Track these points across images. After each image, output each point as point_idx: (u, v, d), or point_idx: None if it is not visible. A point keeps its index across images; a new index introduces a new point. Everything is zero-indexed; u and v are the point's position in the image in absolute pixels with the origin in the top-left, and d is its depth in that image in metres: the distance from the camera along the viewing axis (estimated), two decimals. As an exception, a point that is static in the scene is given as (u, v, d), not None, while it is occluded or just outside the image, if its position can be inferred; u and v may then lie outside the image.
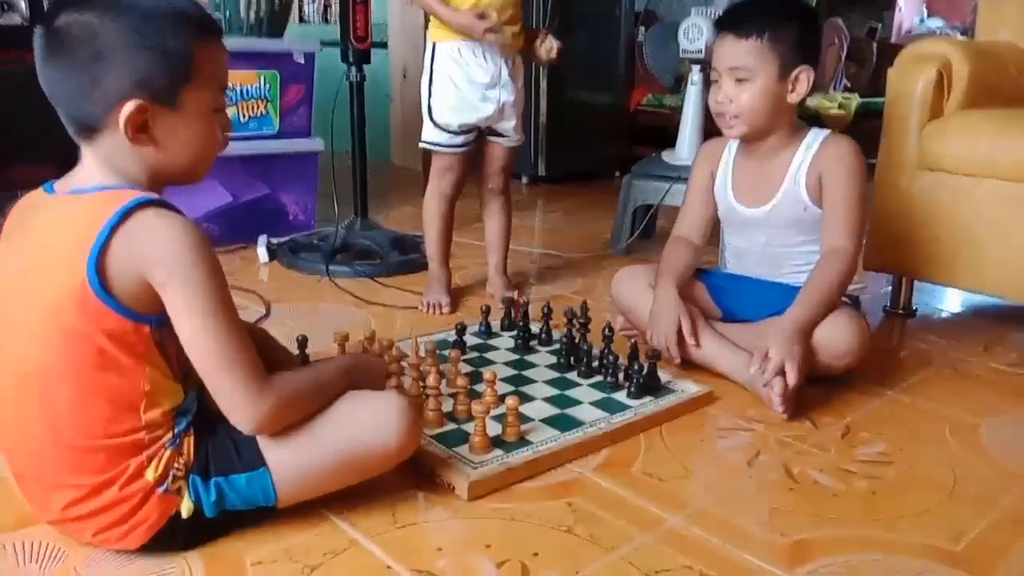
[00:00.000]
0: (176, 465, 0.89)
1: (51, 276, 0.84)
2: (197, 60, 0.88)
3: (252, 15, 2.33)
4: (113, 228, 0.82)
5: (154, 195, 0.87)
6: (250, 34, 2.35)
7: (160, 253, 0.84)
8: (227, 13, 2.29)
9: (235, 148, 2.32)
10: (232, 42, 2.25)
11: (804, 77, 1.40)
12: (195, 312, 0.85)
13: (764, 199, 1.47)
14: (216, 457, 0.91)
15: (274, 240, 2.28)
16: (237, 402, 0.88)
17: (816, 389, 1.40)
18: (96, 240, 0.82)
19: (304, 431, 0.94)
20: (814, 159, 1.42)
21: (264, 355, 0.93)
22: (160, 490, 0.88)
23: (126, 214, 0.83)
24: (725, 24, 1.43)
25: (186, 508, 0.89)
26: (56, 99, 0.87)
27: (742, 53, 1.39)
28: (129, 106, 0.84)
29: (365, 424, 0.96)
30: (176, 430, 0.90)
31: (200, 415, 0.92)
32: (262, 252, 2.23)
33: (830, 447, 1.23)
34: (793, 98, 1.41)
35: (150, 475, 0.87)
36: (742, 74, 1.39)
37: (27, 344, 0.85)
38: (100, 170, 0.88)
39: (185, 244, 0.84)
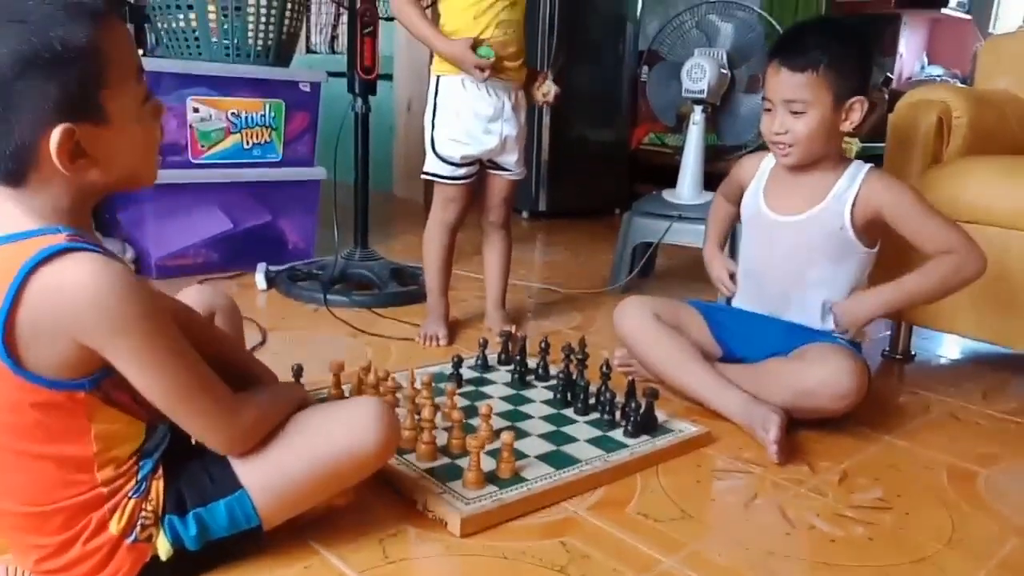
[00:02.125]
0: (144, 512, 0.85)
1: None
2: (106, 54, 0.76)
3: (259, 43, 2.36)
4: (16, 292, 0.72)
5: (65, 239, 0.75)
6: (257, 62, 2.37)
7: (84, 313, 0.74)
8: (234, 40, 2.31)
9: (238, 175, 2.35)
10: (239, 69, 2.31)
11: (858, 107, 1.40)
12: (144, 363, 0.79)
13: (800, 209, 1.46)
14: (190, 490, 0.88)
15: (273, 268, 2.28)
16: (209, 431, 0.86)
17: (813, 433, 1.39)
18: (2, 305, 0.73)
19: (279, 444, 0.91)
20: (864, 192, 1.41)
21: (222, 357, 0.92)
22: (128, 541, 0.84)
23: (30, 272, 0.73)
24: (780, 56, 1.41)
25: (164, 551, 0.86)
26: None
27: (798, 86, 1.38)
28: (55, 136, 0.74)
29: (341, 429, 0.93)
30: (140, 475, 0.85)
31: (171, 446, 0.89)
32: (260, 279, 2.23)
33: (827, 492, 1.21)
34: (846, 127, 1.41)
35: (114, 528, 0.83)
36: (797, 107, 1.39)
37: None
38: (18, 208, 0.77)
39: (108, 294, 0.74)
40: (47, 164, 0.76)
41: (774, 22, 2.53)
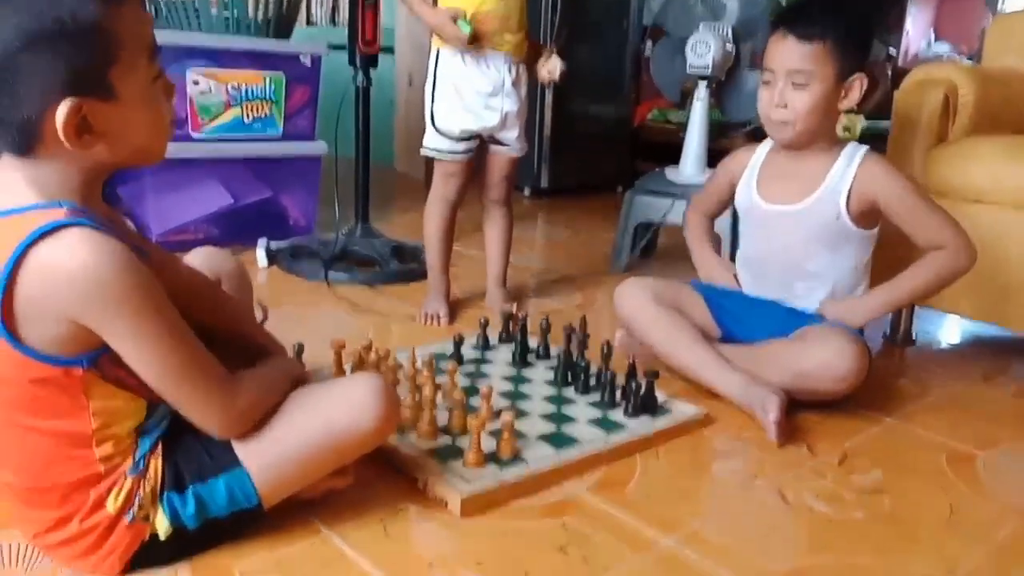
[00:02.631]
0: (141, 492, 0.85)
1: None
2: (116, 32, 0.76)
3: (259, 15, 2.33)
4: (12, 269, 0.72)
5: (65, 214, 0.75)
6: (257, 34, 2.34)
7: (77, 291, 0.73)
8: (234, 12, 2.28)
9: (238, 149, 2.34)
10: (238, 42, 2.28)
11: (858, 84, 1.38)
12: (138, 343, 0.78)
13: (795, 199, 1.45)
14: (188, 466, 0.87)
15: (274, 244, 2.27)
16: (205, 414, 0.86)
17: (813, 414, 1.39)
18: None
19: (279, 421, 0.91)
20: (857, 178, 1.40)
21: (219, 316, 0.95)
22: (126, 519, 0.84)
23: (26, 249, 0.73)
24: (788, 23, 1.38)
25: (163, 530, 0.86)
26: None
27: (804, 57, 1.35)
28: (61, 111, 0.73)
29: (340, 405, 0.93)
30: (138, 454, 0.85)
31: (172, 427, 0.88)
32: (261, 256, 2.22)
33: (826, 473, 1.22)
34: (844, 104, 1.39)
35: (111, 506, 0.83)
36: (800, 78, 1.36)
37: None
38: (20, 181, 0.77)
39: (104, 273, 0.74)
40: (53, 138, 0.75)
41: (780, -3, 2.50)
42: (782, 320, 1.48)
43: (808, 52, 1.36)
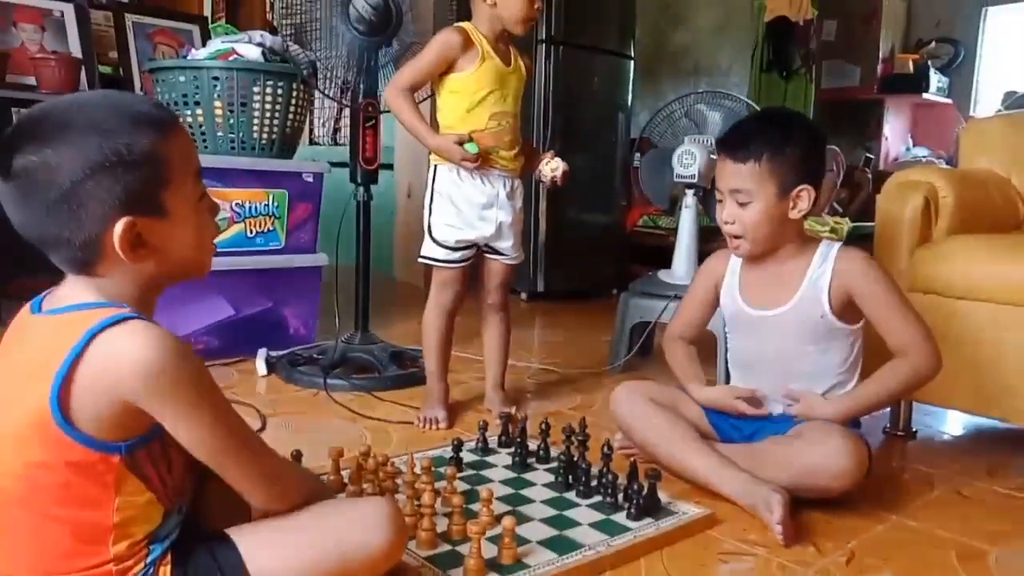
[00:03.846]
0: None
1: (19, 402, 0.80)
2: (167, 159, 0.84)
3: (264, 137, 2.44)
4: (79, 353, 0.78)
5: (128, 311, 0.82)
6: (262, 154, 2.44)
7: (138, 374, 0.78)
8: (240, 134, 2.39)
9: (240, 262, 2.39)
10: (243, 161, 2.37)
11: (805, 195, 1.43)
12: (193, 423, 0.83)
13: (778, 302, 1.47)
14: None
15: (273, 353, 2.29)
16: (254, 486, 0.90)
17: (818, 512, 1.37)
18: (60, 367, 0.77)
19: (291, 537, 0.91)
20: (835, 274, 1.43)
21: None
22: None
23: (93, 336, 0.78)
24: (724, 147, 1.46)
25: None
26: (41, 244, 0.83)
27: (741, 177, 1.42)
28: (118, 228, 0.81)
29: (353, 527, 0.94)
30: (148, 560, 0.85)
31: (181, 536, 0.89)
32: (260, 365, 2.23)
33: (835, 574, 1.19)
34: (795, 214, 1.44)
35: None
36: (742, 197, 1.43)
37: None
38: (86, 288, 0.85)
39: (163, 360, 0.79)
40: (112, 254, 0.83)
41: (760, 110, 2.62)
42: (778, 419, 1.48)
43: (744, 172, 1.42)
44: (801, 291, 1.46)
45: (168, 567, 0.86)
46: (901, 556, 1.26)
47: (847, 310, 1.45)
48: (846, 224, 3.31)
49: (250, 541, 0.91)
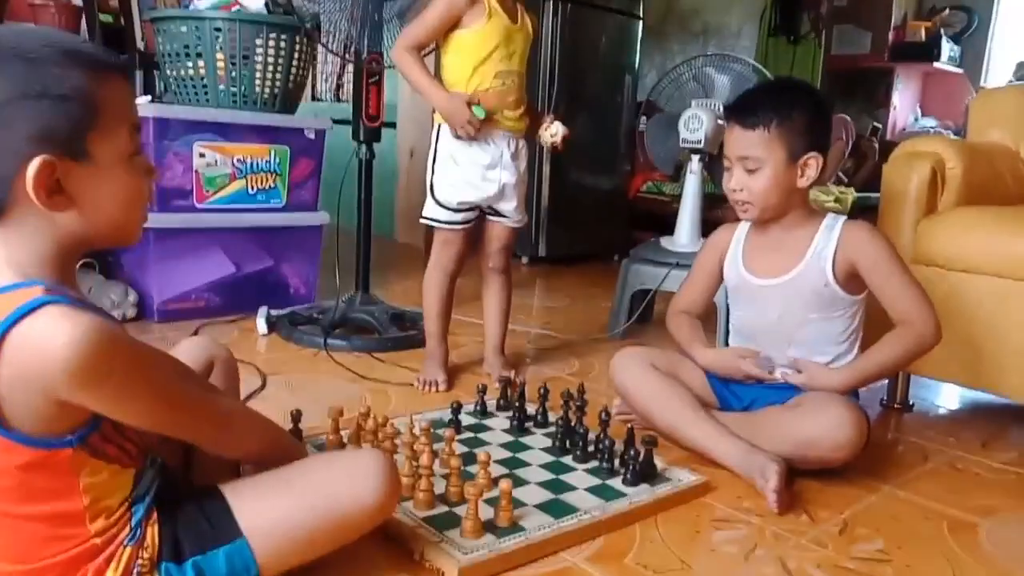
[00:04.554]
0: (140, 560, 0.83)
1: None
2: (98, 101, 0.77)
3: (266, 91, 2.40)
4: None
5: (42, 292, 0.74)
6: (263, 109, 2.42)
7: (62, 370, 0.71)
8: (242, 88, 2.36)
9: (241, 220, 2.38)
10: (245, 116, 2.35)
11: (813, 163, 1.43)
12: (130, 409, 0.79)
13: (781, 270, 1.48)
14: (188, 536, 0.87)
15: (274, 312, 2.29)
16: (207, 442, 0.92)
17: (813, 482, 1.38)
18: None
19: (282, 494, 0.91)
20: (840, 245, 1.44)
21: None
22: None
23: (7, 331, 0.71)
24: (733, 114, 1.46)
25: None
26: None
27: (750, 143, 1.42)
28: (33, 165, 0.74)
29: (343, 482, 0.93)
30: (133, 522, 0.84)
31: (165, 488, 0.88)
32: (261, 324, 2.24)
33: (827, 542, 1.21)
34: (803, 183, 1.44)
35: None
36: (751, 163, 1.43)
37: None
38: None
39: (87, 353, 0.72)
40: (25, 199, 0.75)
41: (768, 74, 2.58)
42: (779, 387, 1.49)
43: (753, 138, 1.42)
44: (805, 260, 1.46)
45: (155, 526, 0.86)
46: (893, 526, 1.27)
47: (850, 281, 1.45)
48: (851, 194, 3.29)
49: (240, 495, 0.91)
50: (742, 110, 1.45)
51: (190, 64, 2.33)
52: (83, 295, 0.84)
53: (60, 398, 0.74)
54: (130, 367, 0.78)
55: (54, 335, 0.71)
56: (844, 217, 1.49)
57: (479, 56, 1.71)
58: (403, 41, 1.75)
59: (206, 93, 2.35)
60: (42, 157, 0.74)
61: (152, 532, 0.85)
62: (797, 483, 1.37)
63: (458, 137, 1.73)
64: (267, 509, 0.90)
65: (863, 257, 1.43)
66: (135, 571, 0.84)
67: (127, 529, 0.84)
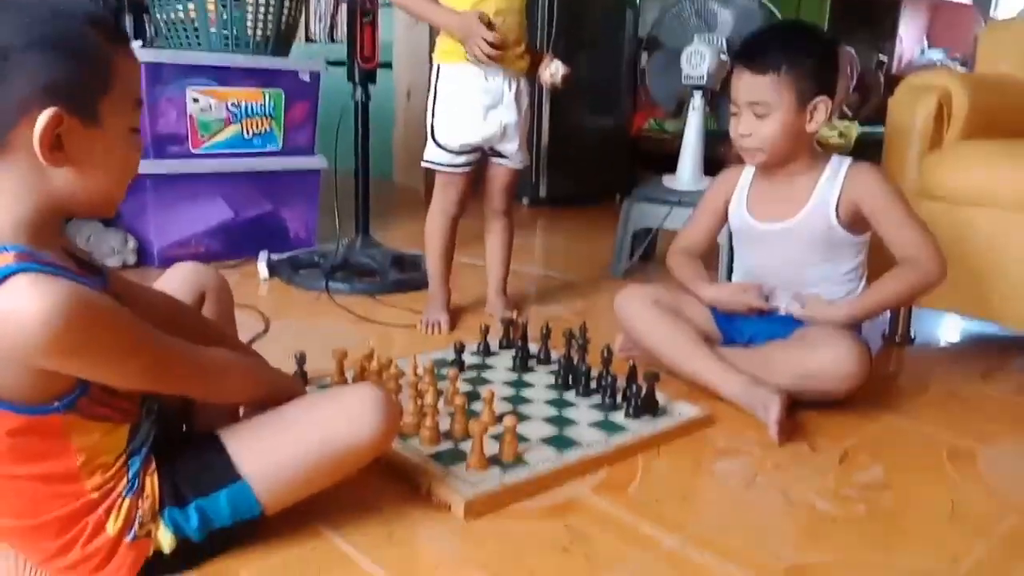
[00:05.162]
0: (140, 509, 0.84)
1: None
2: (115, 68, 0.77)
3: (259, 33, 2.36)
4: None
5: (14, 259, 0.71)
6: (256, 52, 2.37)
7: (32, 340, 0.69)
8: (233, 31, 2.31)
9: (238, 164, 2.36)
10: (238, 59, 2.31)
11: (822, 107, 1.42)
12: (111, 373, 0.78)
13: (785, 215, 1.48)
14: (188, 480, 0.87)
15: (275, 256, 2.29)
16: (212, 393, 0.92)
17: (814, 413, 1.40)
18: None
19: (279, 432, 0.91)
20: (845, 188, 1.44)
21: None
22: (127, 539, 0.84)
23: None
24: (742, 59, 1.45)
25: (167, 544, 0.86)
26: None
27: (760, 88, 1.41)
28: (44, 115, 0.72)
29: (339, 417, 0.93)
30: (130, 473, 0.84)
31: (161, 435, 0.88)
32: (262, 268, 2.23)
33: (828, 471, 1.22)
34: (811, 127, 1.43)
35: (111, 528, 0.83)
36: (761, 109, 1.41)
37: None
38: None
39: (60, 323, 0.69)
40: (20, 148, 0.74)
41: (774, 9, 2.52)
42: (784, 324, 1.49)
43: (763, 83, 1.40)
44: (810, 204, 1.46)
45: (154, 476, 0.86)
46: (893, 454, 1.29)
47: (855, 222, 1.45)
48: (855, 129, 3.25)
49: (238, 438, 0.91)
50: (751, 55, 1.43)
51: (180, 7, 2.28)
52: (63, 257, 0.80)
53: (40, 367, 0.73)
54: (107, 333, 0.75)
55: (26, 306, 0.69)
56: (849, 160, 1.48)
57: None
58: None
59: (197, 37, 2.30)
60: (54, 108, 0.73)
61: (151, 481, 0.86)
62: (798, 414, 1.39)
63: (474, 63, 1.67)
64: (266, 450, 0.91)
65: (868, 199, 1.43)
66: (136, 520, 0.84)
67: (124, 481, 0.84)
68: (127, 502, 0.84)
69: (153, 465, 0.87)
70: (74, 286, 0.72)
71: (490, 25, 1.62)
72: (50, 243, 0.79)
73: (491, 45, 1.62)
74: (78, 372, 0.76)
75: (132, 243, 2.27)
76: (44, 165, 0.75)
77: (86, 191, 0.79)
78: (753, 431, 1.33)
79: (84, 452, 0.81)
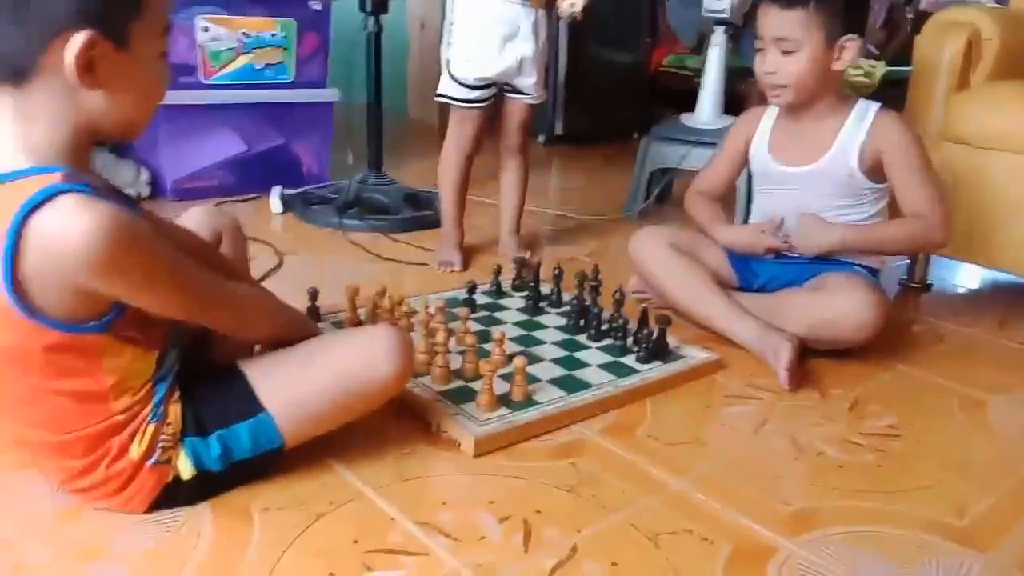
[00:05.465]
0: (163, 436, 0.87)
1: None
2: None
3: (270, -40, 2.29)
4: (15, 239, 0.72)
5: (60, 179, 0.74)
6: (267, -21, 2.31)
7: (78, 258, 0.72)
8: (244, -43, 2.25)
9: (250, 96, 2.32)
10: (248, -13, 2.24)
11: (851, 45, 1.38)
12: (147, 299, 0.81)
13: (808, 159, 1.45)
14: (210, 413, 0.90)
15: (288, 191, 2.27)
16: (239, 327, 0.94)
17: (826, 361, 1.39)
18: (4, 253, 0.72)
19: (300, 369, 0.94)
20: (869, 135, 1.40)
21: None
22: (149, 463, 0.86)
23: (26, 217, 0.71)
24: None
25: (186, 472, 0.88)
26: None
27: (788, 24, 1.36)
28: (79, 38, 0.73)
29: (358, 357, 0.95)
30: (155, 400, 0.87)
31: (186, 366, 0.91)
32: (275, 203, 2.22)
33: (838, 418, 1.23)
34: (839, 66, 1.39)
35: (135, 452, 0.86)
36: (788, 45, 1.37)
37: None
38: (12, 139, 0.76)
39: (104, 242, 0.72)
40: (50, 74, 0.75)
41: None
42: (800, 271, 1.47)
43: (791, 19, 1.36)
44: (833, 149, 1.43)
45: (178, 404, 0.88)
46: (904, 402, 1.29)
47: (876, 169, 1.42)
48: (881, 68, 3.15)
49: (259, 370, 0.93)
50: None
51: (189, -70, 2.21)
52: (104, 181, 0.83)
53: (80, 286, 0.75)
54: (147, 257, 0.78)
55: (73, 225, 0.72)
56: (877, 106, 1.44)
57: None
58: None
59: (207, -38, 2.24)
60: (89, 31, 0.73)
61: (175, 410, 0.88)
62: (810, 362, 1.38)
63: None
64: (287, 384, 0.93)
65: (889, 148, 1.40)
66: (159, 446, 0.87)
67: (149, 406, 0.87)
68: (151, 427, 0.86)
69: (177, 394, 0.89)
70: (118, 209, 0.75)
71: None
72: (86, 167, 0.81)
73: None
74: (116, 293, 0.78)
75: (145, 175, 2.26)
76: (76, 88, 0.75)
77: (116, 114, 0.80)
78: (764, 377, 1.33)
79: (114, 374, 0.83)
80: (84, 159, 0.81)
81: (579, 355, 1.34)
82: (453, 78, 1.74)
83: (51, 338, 0.78)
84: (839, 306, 1.35)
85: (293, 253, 1.88)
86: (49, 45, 0.73)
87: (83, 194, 0.74)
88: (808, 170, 1.45)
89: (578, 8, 1.72)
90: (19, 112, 0.76)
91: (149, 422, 0.86)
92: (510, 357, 1.22)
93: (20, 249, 0.72)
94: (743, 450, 1.13)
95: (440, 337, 1.21)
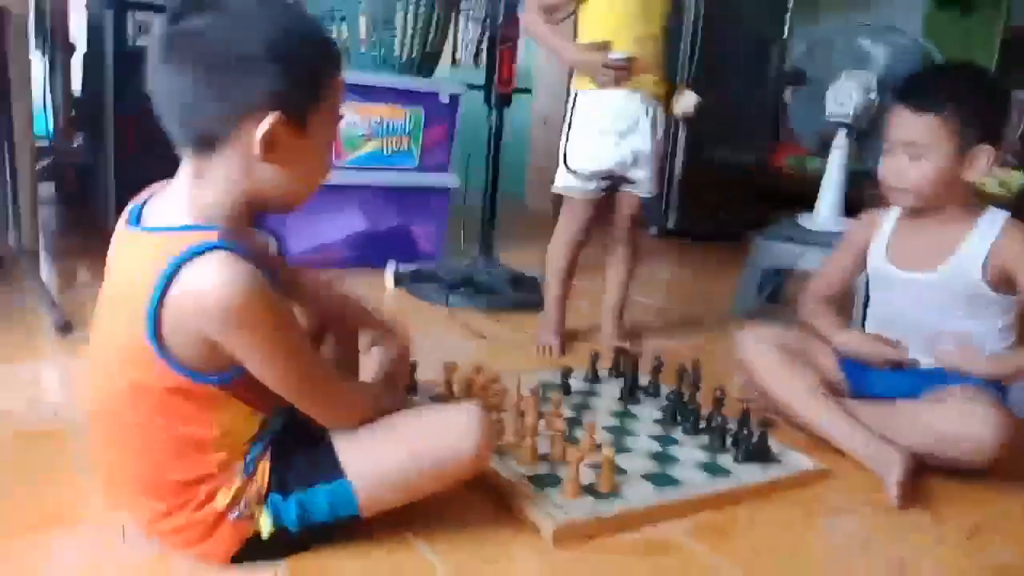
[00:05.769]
0: (248, 493, 0.90)
1: (120, 324, 0.84)
2: (330, 84, 0.87)
3: (405, 54, 2.46)
4: (166, 284, 0.79)
5: (216, 237, 0.81)
6: (401, 72, 2.48)
7: (215, 309, 0.79)
8: (381, 51, 2.43)
9: (375, 178, 2.47)
10: (383, 78, 2.41)
11: (983, 156, 1.32)
12: (269, 364, 0.85)
13: (928, 265, 1.38)
14: (294, 473, 0.92)
15: (401, 267, 2.37)
16: (326, 418, 0.94)
17: (944, 480, 1.29)
18: (151, 296, 0.79)
19: (384, 440, 0.95)
20: (996, 247, 1.33)
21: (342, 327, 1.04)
22: (231, 517, 0.89)
23: (179, 267, 0.79)
24: (903, 96, 1.37)
25: (266, 529, 0.91)
26: (170, 106, 0.83)
27: (918, 129, 1.33)
28: (270, 118, 0.81)
29: (443, 432, 0.97)
30: (248, 458, 0.90)
31: (283, 434, 0.94)
32: (389, 278, 2.32)
33: (951, 544, 1.12)
34: (970, 175, 1.33)
35: (220, 503, 0.89)
36: (916, 150, 1.33)
37: (102, 383, 0.89)
38: (185, 198, 0.85)
39: (239, 299, 0.79)
40: (237, 145, 0.83)
41: (932, 48, 2.36)
42: (917, 381, 1.39)
43: (923, 124, 1.32)
44: (956, 257, 1.35)
45: (267, 463, 0.92)
46: (1032, 537, 1.17)
47: (1006, 281, 1.33)
48: (1018, 178, 2.99)
49: (347, 441, 0.95)
50: (913, 92, 1.36)
51: (334, 27, 2.42)
52: (257, 247, 0.90)
53: (210, 337, 0.81)
54: (274, 324, 0.84)
55: (215, 277, 0.79)
56: (1006, 215, 1.37)
57: (615, 19, 1.67)
58: (531, 2, 1.74)
59: (348, 56, 2.43)
60: (278, 113, 0.82)
61: (264, 467, 0.91)
62: (926, 480, 1.28)
63: (603, 86, 1.69)
64: (370, 454, 0.95)
65: (1015, 258, 1.31)
66: (243, 502, 0.90)
67: (242, 463, 0.90)
68: (239, 482, 0.90)
69: (269, 453, 0.92)
70: (258, 274, 0.81)
71: (607, 46, 1.65)
72: (244, 231, 0.88)
73: (617, 66, 1.63)
74: (235, 349, 0.83)
75: (274, 245, 2.41)
76: (256, 161, 0.84)
77: (283, 188, 0.88)
78: (872, 492, 1.24)
79: (220, 427, 0.88)
80: (245, 222, 0.89)
81: (672, 450, 1.30)
82: (569, 169, 1.78)
83: (175, 381, 0.83)
84: (957, 423, 1.25)
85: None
86: (240, 121, 0.82)
87: (232, 253, 0.80)
88: (927, 277, 1.38)
89: (690, 108, 1.74)
90: (198, 175, 0.85)
91: (238, 476, 0.90)
92: (599, 446, 1.19)
93: (167, 294, 0.80)
94: (842, 568, 1.05)
95: (530, 419, 1.20)
